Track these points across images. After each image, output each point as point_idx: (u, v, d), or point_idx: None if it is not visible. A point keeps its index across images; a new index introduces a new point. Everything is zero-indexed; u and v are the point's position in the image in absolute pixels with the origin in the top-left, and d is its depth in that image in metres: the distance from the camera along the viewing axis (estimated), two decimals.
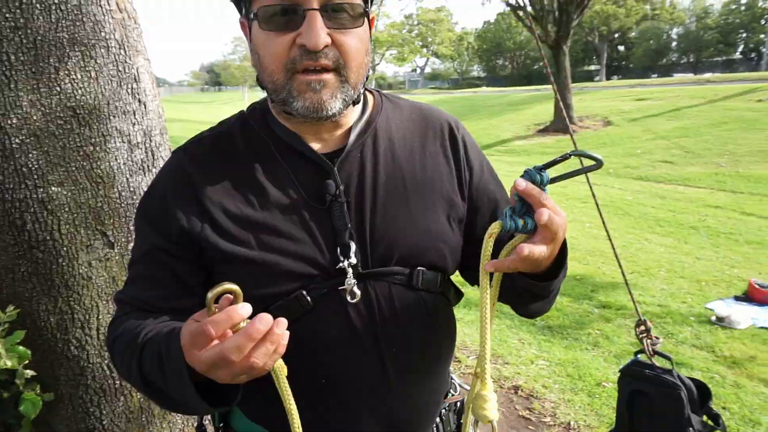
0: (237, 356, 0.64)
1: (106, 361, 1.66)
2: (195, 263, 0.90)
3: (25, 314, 1.55)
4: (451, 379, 1.14)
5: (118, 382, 1.69)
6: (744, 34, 44.31)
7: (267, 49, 0.84)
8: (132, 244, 1.67)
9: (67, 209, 1.53)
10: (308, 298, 0.87)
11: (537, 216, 0.74)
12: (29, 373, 1.52)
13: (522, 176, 0.76)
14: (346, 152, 0.93)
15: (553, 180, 0.75)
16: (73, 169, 1.53)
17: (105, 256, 1.61)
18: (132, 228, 1.66)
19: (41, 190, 1.49)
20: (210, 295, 0.66)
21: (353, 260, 0.88)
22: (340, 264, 0.88)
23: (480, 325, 0.84)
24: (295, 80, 0.83)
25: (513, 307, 1.02)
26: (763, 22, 41.39)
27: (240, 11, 0.90)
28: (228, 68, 66.50)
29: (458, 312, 3.76)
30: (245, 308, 0.67)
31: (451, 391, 1.12)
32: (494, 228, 0.78)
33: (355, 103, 0.92)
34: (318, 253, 0.88)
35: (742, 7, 43.97)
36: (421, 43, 51.81)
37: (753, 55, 43.72)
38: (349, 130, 0.95)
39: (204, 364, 0.66)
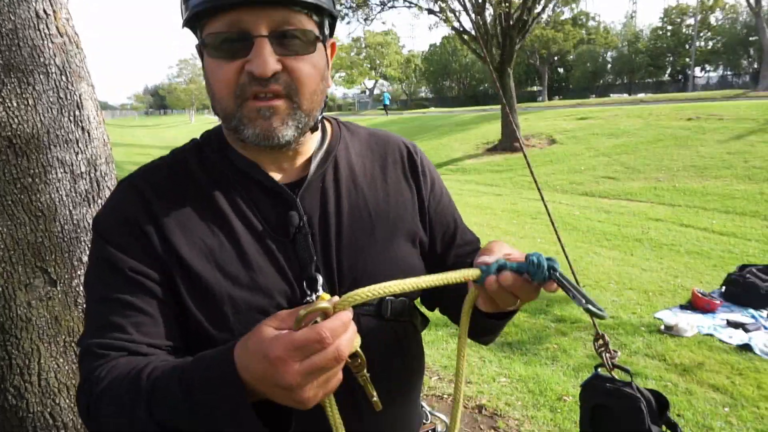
0: (331, 337, 0.60)
1: (48, 410, 1.53)
2: (170, 295, 0.82)
3: None
4: (422, 407, 1.12)
5: (63, 431, 1.56)
6: (671, 58, 47.38)
7: (216, 77, 0.81)
8: (76, 281, 1.56)
9: (2, 246, 1.42)
10: None
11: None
12: None
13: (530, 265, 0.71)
14: (307, 182, 0.90)
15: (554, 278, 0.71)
16: (9, 202, 1.43)
17: (46, 294, 1.50)
18: (76, 263, 1.56)
19: None
20: (303, 312, 0.62)
21: (321, 293, 0.85)
22: (308, 297, 0.85)
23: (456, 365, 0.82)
24: (245, 107, 0.80)
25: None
26: (687, 46, 44.41)
27: (196, 36, 0.87)
28: (174, 91, 64.92)
29: None
30: (350, 313, 0.65)
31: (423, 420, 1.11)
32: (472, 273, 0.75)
33: (313, 130, 0.90)
34: (286, 286, 0.85)
35: (668, 33, 47.09)
36: (369, 66, 52.53)
37: (680, 77, 46.75)
38: (309, 159, 0.93)
39: (298, 375, 0.59)
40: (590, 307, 0.66)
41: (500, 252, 0.77)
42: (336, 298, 0.65)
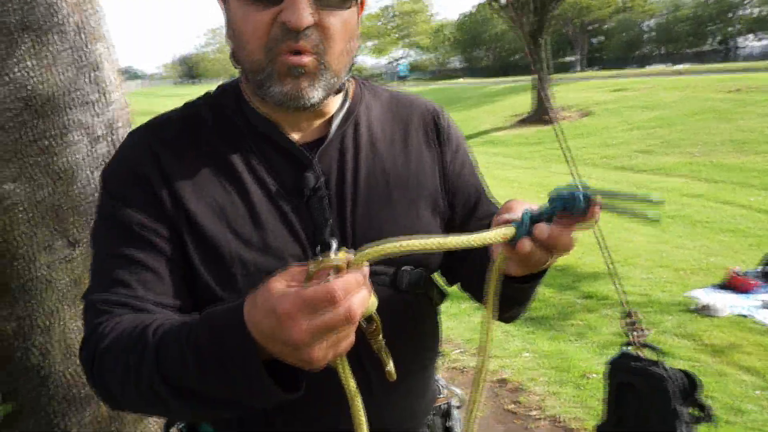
0: (343, 296, 0.55)
1: (71, 368, 1.55)
2: (178, 253, 0.79)
3: None
4: (437, 380, 1.09)
5: (85, 389, 1.59)
6: (713, 27, 45.20)
7: (245, 26, 0.75)
8: None
9: (22, 208, 1.42)
10: None
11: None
12: None
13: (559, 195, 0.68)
14: (327, 142, 0.86)
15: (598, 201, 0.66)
16: (29, 164, 1.42)
17: (66, 257, 1.50)
18: None
19: None
20: (314, 267, 0.57)
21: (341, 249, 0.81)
22: (320, 256, 0.81)
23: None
24: (277, 62, 0.75)
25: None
26: (730, 15, 42.26)
27: None
28: (203, 60, 65.27)
29: (441, 305, 3.73)
30: (366, 270, 0.59)
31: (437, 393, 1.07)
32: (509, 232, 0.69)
33: (337, 92, 0.85)
34: (299, 250, 0.81)
35: (711, 0, 44.82)
36: (399, 35, 51.62)
37: (723, 47, 44.64)
38: (330, 119, 0.88)
39: (306, 333, 0.55)
40: (644, 200, 0.61)
41: (522, 208, 0.72)
42: (351, 255, 0.60)
